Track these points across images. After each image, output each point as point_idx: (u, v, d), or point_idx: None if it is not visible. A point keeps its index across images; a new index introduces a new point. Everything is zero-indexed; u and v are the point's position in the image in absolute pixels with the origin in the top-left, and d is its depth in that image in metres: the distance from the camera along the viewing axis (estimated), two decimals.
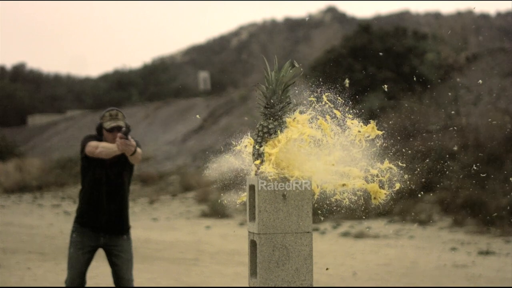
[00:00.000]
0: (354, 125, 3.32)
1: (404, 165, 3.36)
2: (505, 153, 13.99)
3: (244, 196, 3.28)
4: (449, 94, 18.79)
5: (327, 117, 3.31)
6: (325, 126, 3.25)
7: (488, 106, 18.42)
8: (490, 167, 13.22)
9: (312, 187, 3.12)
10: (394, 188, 3.29)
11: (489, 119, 15.50)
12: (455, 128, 15.24)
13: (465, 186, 12.79)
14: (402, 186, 3.27)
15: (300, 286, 3.00)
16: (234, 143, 3.33)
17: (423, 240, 11.82)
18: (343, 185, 3.22)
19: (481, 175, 12.36)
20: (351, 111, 3.33)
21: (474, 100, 19.31)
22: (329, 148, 3.24)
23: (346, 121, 3.34)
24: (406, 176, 3.30)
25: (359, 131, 3.30)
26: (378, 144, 3.29)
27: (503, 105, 18.24)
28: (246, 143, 3.31)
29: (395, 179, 3.28)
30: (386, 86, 4.24)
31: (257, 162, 3.12)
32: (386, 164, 3.30)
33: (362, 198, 3.26)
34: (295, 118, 3.16)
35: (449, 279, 8.69)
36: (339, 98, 3.33)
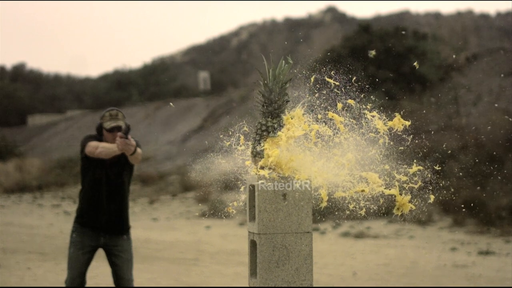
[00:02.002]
0: (376, 117, 2.95)
1: (440, 168, 2.94)
2: (505, 153, 13.99)
3: (230, 208, 3.23)
4: (450, 94, 18.79)
5: (339, 105, 2.96)
6: (337, 119, 2.98)
7: (488, 106, 18.42)
8: (490, 167, 13.22)
9: (322, 194, 2.99)
10: (429, 200, 2.91)
11: (489, 120, 15.50)
12: (457, 130, 15.23)
13: (465, 186, 12.79)
14: (440, 197, 2.84)
15: (300, 286, 3.00)
16: (221, 136, 3.17)
17: (423, 240, 11.82)
18: (362, 191, 2.95)
19: (481, 175, 12.36)
20: (369, 99, 2.93)
21: (474, 100, 19.31)
22: (342, 148, 2.97)
23: (365, 113, 2.94)
24: (443, 183, 2.87)
25: (383, 126, 2.92)
26: (408, 142, 2.89)
27: (503, 105, 18.24)
28: (240, 138, 3.18)
29: (431, 188, 2.86)
30: (417, 63, 3.76)
31: (248, 163, 3.09)
32: (415, 167, 2.95)
33: (383, 208, 2.92)
34: (292, 117, 3.04)
35: (449, 279, 8.69)
36: (354, 78, 2.92)
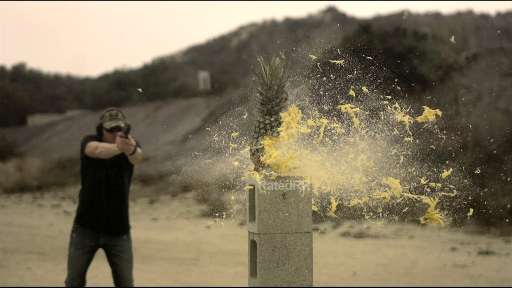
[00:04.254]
0: (398, 110, 2.59)
1: (479, 171, 2.59)
2: (505, 153, 13.98)
3: (216, 219, 3.20)
4: (450, 93, 18.76)
5: (352, 92, 2.58)
6: (350, 111, 2.67)
7: (488, 106, 18.41)
8: (490, 167, 13.21)
9: (332, 204, 2.88)
10: (468, 213, 2.59)
11: (489, 119, 15.48)
12: (457, 128, 15.20)
13: (465, 186, 12.77)
14: (481, 209, 2.41)
15: (300, 286, 2.99)
16: (208, 128, 3.02)
17: (423, 240, 11.81)
18: (383, 198, 2.70)
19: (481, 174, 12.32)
20: (388, 86, 2.52)
21: (474, 100, 19.30)
22: (356, 146, 2.68)
23: (384, 104, 2.52)
24: (484, 192, 2.49)
25: (409, 119, 2.54)
26: (442, 142, 2.48)
27: (503, 105, 18.23)
28: (233, 134, 3.08)
29: (469, 198, 2.45)
30: (453, 38, 3.03)
31: (236, 163, 3.07)
32: (446, 172, 2.63)
33: (406, 219, 2.61)
34: (289, 114, 2.97)
35: (449, 279, 8.69)
36: (369, 58, 2.49)
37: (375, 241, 11.91)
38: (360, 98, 2.57)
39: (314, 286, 3.02)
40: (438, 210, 2.64)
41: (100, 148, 5.15)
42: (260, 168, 3.00)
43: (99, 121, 5.39)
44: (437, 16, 58.47)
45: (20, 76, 54.54)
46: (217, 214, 3.12)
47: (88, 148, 5.22)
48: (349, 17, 68.19)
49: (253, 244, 3.06)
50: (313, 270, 3.03)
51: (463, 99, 18.86)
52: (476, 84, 19.77)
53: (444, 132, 2.56)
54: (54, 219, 16.23)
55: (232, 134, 3.10)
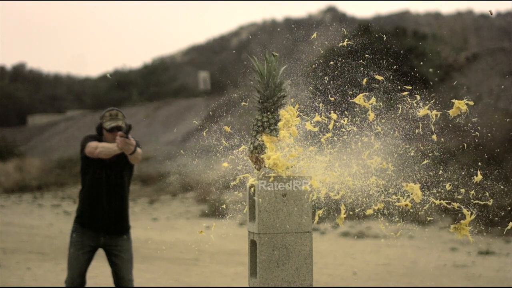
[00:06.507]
0: (421, 103, 2.21)
1: None
2: (505, 153, 13.98)
3: (202, 231, 3.18)
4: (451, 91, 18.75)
5: (364, 80, 2.20)
6: (365, 104, 2.39)
7: (488, 106, 18.40)
8: (490, 167, 13.19)
9: (341, 213, 2.79)
10: (507, 227, 2.20)
11: (489, 120, 15.47)
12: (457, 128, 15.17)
13: (466, 186, 12.74)
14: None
15: (300, 286, 2.99)
16: (195, 121, 2.89)
17: (423, 240, 11.81)
18: (406, 205, 2.49)
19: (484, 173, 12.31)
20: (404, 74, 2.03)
21: (474, 100, 19.28)
22: (371, 146, 2.39)
23: (404, 96, 2.12)
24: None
25: (438, 114, 2.16)
26: (475, 139, 1.97)
27: (503, 105, 18.23)
28: (225, 128, 3.01)
29: (508, 207, 2.08)
30: (490, 11, 2.62)
31: (225, 164, 3.06)
32: (477, 177, 2.23)
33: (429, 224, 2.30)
34: (288, 111, 2.90)
35: (449, 279, 8.69)
36: (383, 36, 1.96)
37: (375, 241, 11.90)
38: (377, 85, 2.18)
39: (314, 286, 3.02)
40: (471, 226, 2.24)
41: (100, 148, 5.15)
42: (258, 167, 2.99)
43: (99, 121, 5.39)
44: (437, 16, 58.46)
45: (20, 76, 54.55)
46: (204, 225, 3.05)
47: (88, 148, 5.22)
48: (349, 17, 68.14)
49: (253, 244, 3.06)
50: (313, 270, 3.03)
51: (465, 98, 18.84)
52: (476, 84, 19.78)
53: (478, 128, 2.18)
54: (54, 219, 16.22)
55: (225, 127, 3.02)
